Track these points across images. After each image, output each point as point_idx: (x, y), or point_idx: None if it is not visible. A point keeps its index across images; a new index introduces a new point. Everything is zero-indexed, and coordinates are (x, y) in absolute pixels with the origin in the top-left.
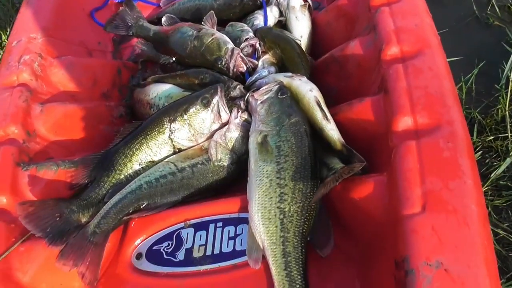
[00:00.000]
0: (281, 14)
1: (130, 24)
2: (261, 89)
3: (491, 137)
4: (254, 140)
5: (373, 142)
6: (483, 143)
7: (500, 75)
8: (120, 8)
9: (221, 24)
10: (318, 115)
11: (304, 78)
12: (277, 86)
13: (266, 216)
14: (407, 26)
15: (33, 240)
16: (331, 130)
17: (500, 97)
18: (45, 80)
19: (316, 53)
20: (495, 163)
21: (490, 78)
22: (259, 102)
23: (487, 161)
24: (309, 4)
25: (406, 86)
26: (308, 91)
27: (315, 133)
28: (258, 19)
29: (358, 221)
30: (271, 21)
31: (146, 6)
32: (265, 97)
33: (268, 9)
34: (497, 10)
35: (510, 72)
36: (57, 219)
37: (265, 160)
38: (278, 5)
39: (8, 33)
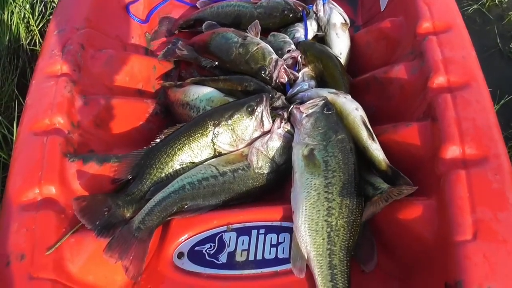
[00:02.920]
0: (319, 28)
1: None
2: (307, 103)
3: None
4: (299, 152)
5: (417, 166)
6: None
7: None
8: None
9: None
10: (364, 134)
11: (349, 96)
12: (323, 101)
13: (313, 228)
14: (455, 57)
15: (82, 232)
16: (376, 150)
17: None
18: (86, 72)
19: (353, 71)
20: None
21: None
22: (304, 115)
23: None
24: (347, 23)
25: (455, 116)
26: (354, 110)
27: (359, 151)
28: (299, 32)
29: (404, 241)
30: (310, 35)
31: (181, 5)
32: (311, 111)
33: (307, 22)
34: None
35: None
36: (106, 213)
37: (313, 173)
38: (317, 19)
39: None
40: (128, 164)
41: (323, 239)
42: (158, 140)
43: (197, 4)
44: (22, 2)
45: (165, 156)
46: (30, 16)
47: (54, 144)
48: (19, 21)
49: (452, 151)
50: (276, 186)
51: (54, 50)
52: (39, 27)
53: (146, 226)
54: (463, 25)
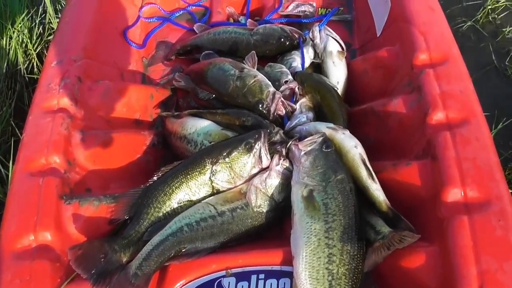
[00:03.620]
0: (315, 55)
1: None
2: (305, 140)
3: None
4: (298, 193)
5: (418, 206)
6: None
7: None
8: None
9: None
10: (363, 173)
11: (347, 132)
12: (322, 138)
13: (314, 276)
14: (453, 91)
15: (78, 281)
16: (376, 191)
17: None
18: (84, 105)
19: (350, 99)
20: None
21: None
22: (303, 153)
23: None
24: (344, 50)
25: (455, 156)
26: (353, 147)
27: (359, 190)
28: (296, 61)
29: None
30: (307, 63)
31: (178, 29)
32: (309, 148)
33: (304, 50)
34: None
35: None
36: (102, 260)
37: (313, 217)
38: (314, 46)
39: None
40: (125, 204)
41: (325, 285)
42: (155, 177)
43: (194, 28)
44: (21, 27)
45: (162, 194)
46: (28, 41)
47: (50, 186)
48: (17, 46)
49: (454, 194)
50: (275, 224)
51: (51, 84)
52: (37, 51)
53: (143, 272)
54: (459, 55)
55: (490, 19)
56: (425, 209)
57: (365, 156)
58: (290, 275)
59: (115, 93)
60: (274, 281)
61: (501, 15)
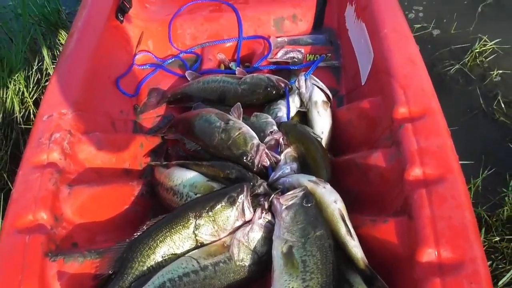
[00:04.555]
0: (301, 103)
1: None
2: (287, 194)
3: (497, 238)
4: (279, 248)
5: (394, 263)
6: (489, 242)
7: (507, 174)
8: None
9: (244, 107)
10: (342, 229)
11: (328, 186)
12: (302, 192)
13: None
14: (430, 147)
15: None
16: (355, 247)
17: (506, 198)
18: (73, 158)
19: (336, 148)
20: (500, 265)
21: (497, 176)
22: (284, 207)
23: (493, 264)
24: (330, 99)
25: (430, 216)
26: (333, 202)
27: (338, 246)
28: (282, 111)
29: None
30: (292, 111)
31: (170, 75)
32: (291, 203)
33: (290, 99)
34: (503, 106)
35: None
36: None
37: (291, 274)
38: (300, 95)
39: None
40: (109, 259)
41: None
42: (139, 232)
43: (186, 74)
44: (17, 76)
45: (147, 248)
46: (25, 89)
47: (35, 243)
48: (13, 96)
49: (428, 255)
50: (257, 278)
51: (41, 138)
52: (33, 98)
53: None
54: (439, 109)
55: (478, 62)
56: (402, 268)
57: (344, 212)
58: None
59: (104, 144)
60: None
61: (489, 58)
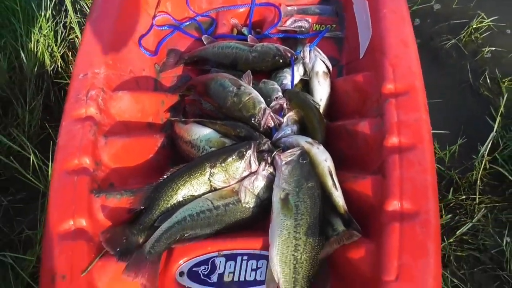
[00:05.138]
0: (305, 72)
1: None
2: (286, 152)
3: (464, 197)
4: (277, 195)
5: (368, 212)
6: (457, 200)
7: (478, 143)
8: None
9: (254, 73)
10: (329, 183)
11: (321, 147)
12: (299, 151)
13: (283, 260)
14: (408, 120)
15: (107, 257)
16: (338, 197)
17: (476, 163)
18: (106, 113)
19: (332, 114)
20: (462, 219)
21: (471, 144)
22: (283, 162)
23: (456, 217)
24: (330, 71)
25: (399, 176)
26: (323, 161)
27: (324, 196)
28: (287, 78)
29: (350, 274)
30: (296, 79)
31: (187, 37)
32: (289, 159)
33: (295, 67)
34: (488, 81)
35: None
36: (124, 241)
37: (286, 215)
38: (304, 64)
39: None
40: (140, 197)
41: (290, 269)
42: (165, 176)
43: (202, 38)
44: (47, 31)
45: (170, 190)
46: (54, 44)
47: (82, 182)
48: (44, 50)
49: (393, 206)
50: (259, 218)
51: (79, 95)
52: (61, 53)
53: (155, 251)
54: (422, 87)
55: (473, 38)
56: (374, 215)
57: (332, 169)
58: (266, 257)
59: (131, 101)
60: (254, 261)
61: (484, 35)
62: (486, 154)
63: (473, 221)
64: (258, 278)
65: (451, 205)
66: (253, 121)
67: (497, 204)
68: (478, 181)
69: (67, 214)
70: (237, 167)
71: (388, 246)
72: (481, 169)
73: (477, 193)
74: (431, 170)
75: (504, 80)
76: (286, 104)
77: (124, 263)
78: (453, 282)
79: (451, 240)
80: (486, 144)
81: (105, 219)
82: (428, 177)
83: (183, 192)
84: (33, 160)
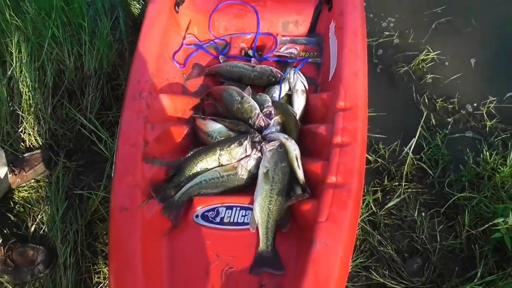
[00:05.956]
0: (289, 89)
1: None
2: (270, 143)
3: (396, 183)
4: (262, 170)
5: (316, 183)
6: (391, 186)
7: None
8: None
9: (253, 87)
10: (295, 164)
11: (293, 141)
12: (278, 143)
13: (261, 210)
14: (348, 127)
15: (153, 200)
16: (299, 174)
17: (408, 158)
18: (152, 109)
19: (305, 119)
20: (393, 198)
21: (407, 145)
22: (267, 150)
23: (388, 197)
24: (306, 89)
25: (338, 162)
26: (293, 150)
27: (291, 172)
28: (276, 93)
29: (301, 218)
30: (282, 94)
31: (207, 55)
32: (271, 148)
33: (282, 85)
34: (426, 101)
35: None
36: (163, 192)
37: (266, 183)
38: (289, 83)
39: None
40: (172, 167)
41: (265, 215)
42: (189, 154)
43: (219, 58)
44: (104, 42)
45: (192, 164)
46: (109, 52)
47: (138, 153)
48: (103, 56)
49: (331, 179)
50: (249, 184)
51: (135, 95)
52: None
53: (181, 199)
54: (363, 106)
55: (420, 66)
56: (319, 186)
57: (298, 156)
58: (251, 209)
59: (168, 101)
60: (243, 211)
61: (428, 65)
62: (410, 153)
63: (398, 199)
64: (245, 221)
65: (387, 188)
66: (250, 121)
67: (419, 190)
68: (405, 172)
69: (128, 172)
70: (237, 151)
71: (324, 202)
72: (407, 164)
73: (403, 181)
74: (360, 159)
75: (437, 100)
76: (273, 111)
77: (162, 205)
78: (378, 238)
79: (383, 212)
80: (410, 144)
81: (151, 177)
82: (356, 164)
83: (200, 165)
84: (100, 136)
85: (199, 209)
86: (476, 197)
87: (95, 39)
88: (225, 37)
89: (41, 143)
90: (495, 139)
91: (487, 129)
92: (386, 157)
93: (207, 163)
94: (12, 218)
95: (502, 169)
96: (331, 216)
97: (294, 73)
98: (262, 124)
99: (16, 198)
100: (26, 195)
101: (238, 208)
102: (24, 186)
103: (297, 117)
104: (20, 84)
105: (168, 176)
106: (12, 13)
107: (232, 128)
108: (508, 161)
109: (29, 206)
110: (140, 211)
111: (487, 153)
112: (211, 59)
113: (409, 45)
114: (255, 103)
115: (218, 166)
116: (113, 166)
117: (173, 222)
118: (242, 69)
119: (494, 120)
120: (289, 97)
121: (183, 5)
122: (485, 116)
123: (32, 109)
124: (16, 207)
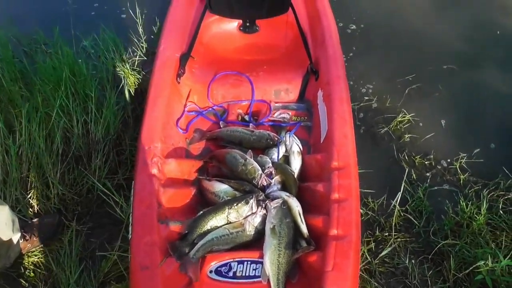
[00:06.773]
0: (286, 151)
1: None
2: (274, 201)
3: (386, 234)
4: (268, 226)
5: (319, 236)
6: (382, 236)
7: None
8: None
9: (253, 150)
10: (298, 219)
11: (295, 198)
12: (282, 201)
13: (271, 262)
14: (343, 184)
15: (170, 257)
16: (304, 228)
17: (395, 211)
18: (162, 172)
19: (302, 177)
20: (385, 248)
21: (393, 199)
22: (272, 207)
23: (380, 246)
24: (301, 150)
25: (337, 216)
26: (296, 206)
27: (295, 226)
28: (274, 155)
29: (308, 269)
30: (280, 155)
31: (207, 121)
32: (275, 205)
33: (280, 147)
34: (406, 158)
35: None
36: (178, 249)
37: (273, 237)
38: (285, 146)
39: None
40: (184, 226)
41: (276, 267)
42: (199, 214)
43: (220, 123)
44: (109, 112)
45: (203, 222)
46: (114, 119)
47: (152, 215)
48: (110, 124)
49: (333, 232)
50: (257, 239)
51: (147, 160)
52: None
53: (196, 256)
54: (354, 164)
55: (398, 127)
56: (322, 239)
57: (301, 211)
58: (261, 262)
59: (174, 164)
60: (254, 264)
61: (405, 126)
62: (397, 205)
63: (390, 249)
64: (257, 274)
65: (379, 239)
66: (253, 182)
67: (407, 239)
68: (393, 223)
69: (146, 233)
70: (244, 209)
71: (329, 253)
72: (395, 216)
73: (393, 231)
74: (356, 212)
75: (416, 157)
76: (274, 171)
77: (179, 263)
78: (376, 285)
79: (377, 261)
80: (396, 198)
81: (166, 236)
82: (353, 217)
83: (211, 223)
84: (112, 199)
85: (213, 264)
86: (458, 244)
87: (101, 107)
88: (223, 104)
89: (49, 208)
90: (469, 191)
91: (461, 182)
92: (376, 210)
93: (216, 221)
94: (23, 282)
95: (477, 217)
96: (336, 266)
97: (290, 136)
98: (265, 183)
99: (26, 263)
100: (36, 260)
101: (249, 262)
102: (34, 251)
103: (295, 176)
104: (28, 151)
105: (181, 235)
106: (21, 85)
107: (237, 188)
108: (482, 210)
109: (39, 270)
110: (160, 269)
111: (464, 203)
112: (210, 124)
113: (387, 108)
114: (257, 164)
115: (227, 224)
116: (130, 227)
117: (194, 278)
118: (242, 134)
119: (467, 174)
120: (286, 158)
121: (183, 76)
122: (459, 170)
123: (41, 175)
124: (27, 272)
